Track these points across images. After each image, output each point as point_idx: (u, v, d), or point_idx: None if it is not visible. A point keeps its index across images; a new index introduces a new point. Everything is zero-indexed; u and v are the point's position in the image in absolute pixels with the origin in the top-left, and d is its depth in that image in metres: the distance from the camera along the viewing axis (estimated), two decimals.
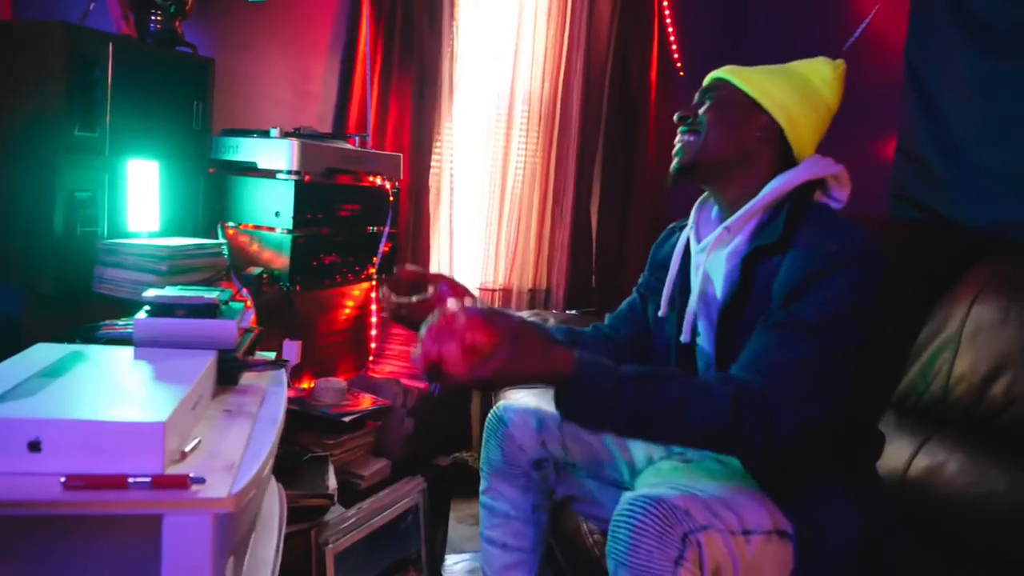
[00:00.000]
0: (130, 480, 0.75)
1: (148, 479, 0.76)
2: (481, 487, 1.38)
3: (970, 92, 2.05)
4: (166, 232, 1.68)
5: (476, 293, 2.74)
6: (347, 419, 1.74)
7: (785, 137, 1.22)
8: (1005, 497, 1.37)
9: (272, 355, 1.32)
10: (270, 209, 1.78)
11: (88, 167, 1.52)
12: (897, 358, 1.67)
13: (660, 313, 1.32)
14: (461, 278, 2.65)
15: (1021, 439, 1.41)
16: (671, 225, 1.44)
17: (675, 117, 1.28)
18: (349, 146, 1.96)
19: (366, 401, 1.86)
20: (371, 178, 2.04)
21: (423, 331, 0.99)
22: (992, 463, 1.42)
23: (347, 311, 2.07)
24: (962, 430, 1.51)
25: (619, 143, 2.81)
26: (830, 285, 1.03)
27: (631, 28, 2.78)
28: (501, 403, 1.40)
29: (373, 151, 2.08)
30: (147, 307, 1.14)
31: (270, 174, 1.78)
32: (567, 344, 1.28)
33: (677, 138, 1.28)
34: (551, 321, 2.43)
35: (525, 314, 2.51)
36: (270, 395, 1.15)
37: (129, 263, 1.53)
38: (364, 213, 2.03)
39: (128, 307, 1.50)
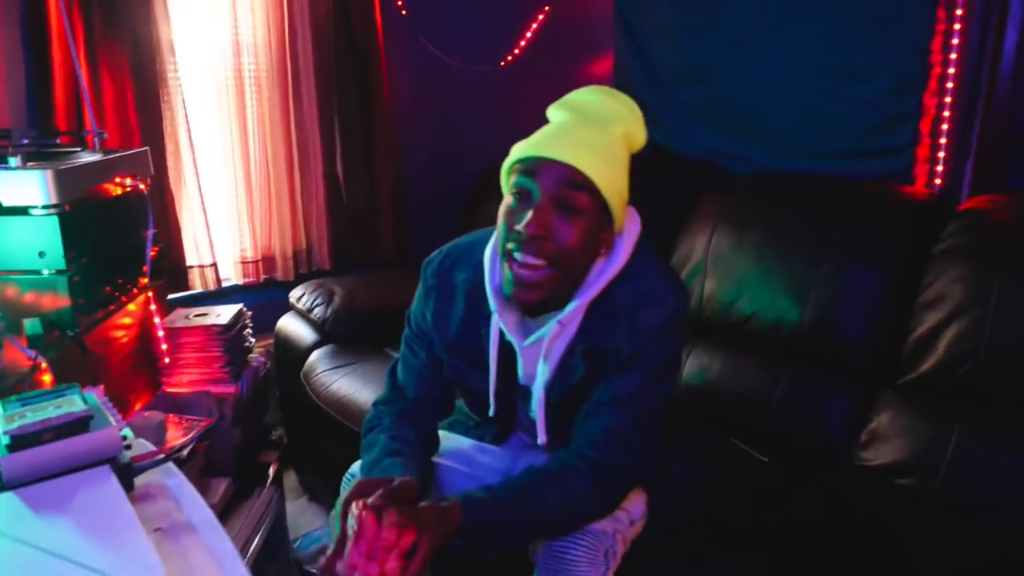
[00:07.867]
0: None
1: None
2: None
3: (670, 39, 2.38)
4: None
5: (237, 266, 2.61)
6: (184, 454, 1.64)
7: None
8: (757, 383, 1.82)
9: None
10: (27, 250, 1.52)
11: None
12: None
13: (491, 413, 1.28)
14: (222, 252, 2.50)
15: (761, 341, 1.85)
16: (431, 282, 1.28)
17: (522, 231, 1.09)
18: (93, 153, 1.71)
19: (184, 425, 1.76)
20: (123, 183, 1.81)
21: (348, 550, 0.92)
22: (744, 360, 1.86)
23: (129, 332, 1.87)
24: (718, 338, 1.93)
25: (353, 92, 2.74)
26: (649, 356, 1.13)
27: None
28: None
29: (121, 152, 1.81)
30: (8, 441, 0.99)
31: (20, 211, 1.50)
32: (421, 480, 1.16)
33: (524, 261, 1.10)
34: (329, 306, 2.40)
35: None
36: (174, 490, 1.10)
37: None
38: (125, 222, 1.81)
39: None
